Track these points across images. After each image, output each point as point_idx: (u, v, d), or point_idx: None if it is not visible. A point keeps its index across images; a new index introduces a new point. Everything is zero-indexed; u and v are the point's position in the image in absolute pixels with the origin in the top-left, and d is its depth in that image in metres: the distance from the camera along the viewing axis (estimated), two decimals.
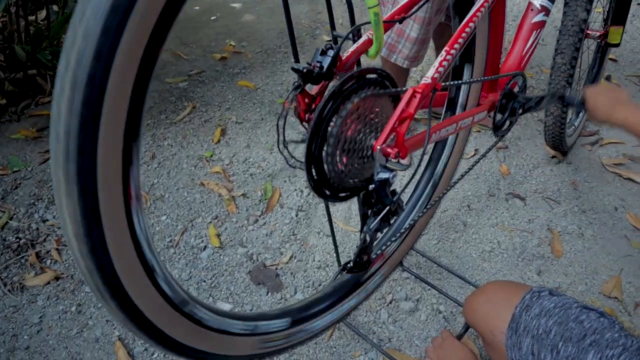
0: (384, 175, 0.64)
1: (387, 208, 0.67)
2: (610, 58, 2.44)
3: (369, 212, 0.70)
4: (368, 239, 0.72)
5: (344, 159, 0.66)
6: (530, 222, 1.58)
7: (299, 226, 1.55)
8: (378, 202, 0.67)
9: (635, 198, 1.69)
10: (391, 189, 0.69)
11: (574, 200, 1.67)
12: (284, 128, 0.69)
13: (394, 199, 0.67)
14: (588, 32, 1.64)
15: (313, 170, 0.64)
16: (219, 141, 1.88)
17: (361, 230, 0.72)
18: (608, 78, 2.31)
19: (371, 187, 0.67)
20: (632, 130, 1.02)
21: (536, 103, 1.15)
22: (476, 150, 1.88)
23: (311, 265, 1.43)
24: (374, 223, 0.68)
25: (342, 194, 0.71)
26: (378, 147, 0.64)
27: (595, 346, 0.75)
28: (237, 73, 2.29)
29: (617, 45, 1.69)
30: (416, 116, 1.95)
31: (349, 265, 0.75)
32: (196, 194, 1.65)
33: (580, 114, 1.91)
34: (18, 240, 1.48)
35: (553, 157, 1.84)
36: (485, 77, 1.05)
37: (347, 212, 1.60)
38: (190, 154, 1.82)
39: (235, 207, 1.60)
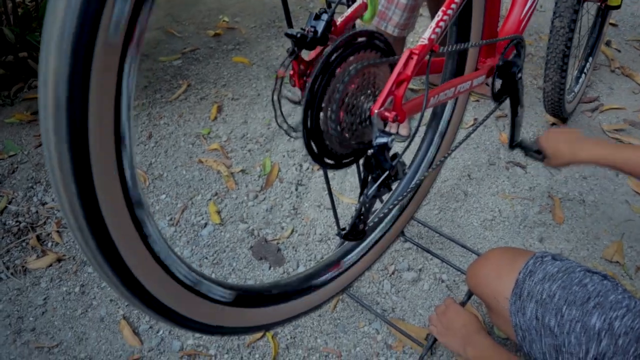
0: (382, 139, 0.63)
1: (387, 173, 0.66)
2: (610, 23, 2.40)
3: (369, 177, 0.69)
4: (366, 205, 0.71)
5: (342, 125, 0.65)
6: (531, 190, 1.58)
7: (299, 200, 1.54)
8: (377, 167, 0.66)
9: None
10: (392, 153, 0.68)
11: (574, 167, 1.66)
12: (279, 99, 0.67)
13: (393, 163, 0.66)
14: None
15: (311, 138, 0.63)
16: (215, 118, 1.86)
17: (360, 196, 0.71)
18: (608, 43, 2.27)
19: (370, 152, 0.65)
20: (605, 163, 1.02)
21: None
22: (475, 119, 1.86)
23: (313, 239, 1.43)
24: (372, 189, 0.67)
25: (340, 161, 0.70)
26: (376, 111, 0.63)
27: (599, 308, 0.75)
28: (231, 49, 2.25)
29: (618, 7, 1.65)
30: (414, 87, 1.93)
31: (344, 231, 0.74)
32: (195, 172, 1.64)
33: (581, 80, 1.89)
34: (18, 223, 1.47)
35: (553, 124, 1.83)
36: (484, 41, 1.02)
37: (348, 184, 1.59)
38: (187, 132, 1.80)
39: (234, 184, 1.59)
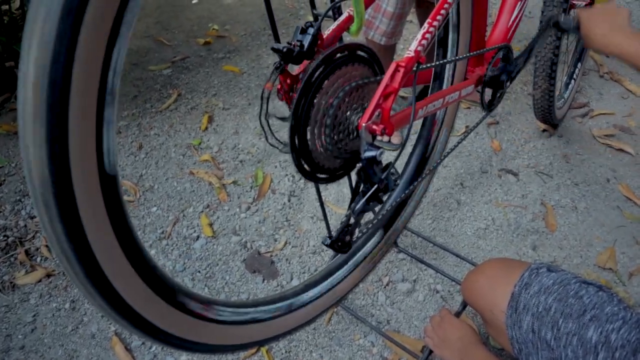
0: (370, 153, 0.63)
1: (375, 187, 0.65)
2: None
3: (361, 186, 0.68)
4: (355, 216, 0.70)
5: (330, 141, 0.64)
6: (524, 197, 1.58)
7: (292, 212, 1.53)
8: (366, 181, 0.65)
9: (626, 169, 1.68)
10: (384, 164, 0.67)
11: (566, 174, 1.66)
12: (267, 118, 0.66)
13: (382, 176, 0.65)
14: (574, 1, 1.61)
15: (300, 154, 0.63)
16: (206, 128, 1.84)
17: (349, 206, 0.70)
18: None
19: (358, 165, 0.65)
20: (625, 59, 0.97)
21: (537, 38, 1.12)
22: (467, 126, 1.86)
23: (306, 251, 1.42)
24: (360, 203, 0.66)
25: (332, 175, 0.69)
26: (363, 125, 0.62)
27: (595, 321, 0.74)
28: (221, 58, 2.25)
29: None
30: (405, 94, 1.93)
31: (329, 239, 0.72)
32: (186, 184, 1.63)
33: (570, 86, 1.89)
34: (6, 238, 1.45)
35: (544, 130, 1.83)
36: (471, 53, 1.02)
37: (341, 195, 1.59)
38: (178, 142, 1.79)
39: (226, 195, 1.58)
